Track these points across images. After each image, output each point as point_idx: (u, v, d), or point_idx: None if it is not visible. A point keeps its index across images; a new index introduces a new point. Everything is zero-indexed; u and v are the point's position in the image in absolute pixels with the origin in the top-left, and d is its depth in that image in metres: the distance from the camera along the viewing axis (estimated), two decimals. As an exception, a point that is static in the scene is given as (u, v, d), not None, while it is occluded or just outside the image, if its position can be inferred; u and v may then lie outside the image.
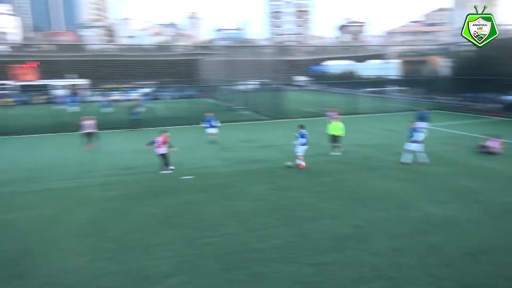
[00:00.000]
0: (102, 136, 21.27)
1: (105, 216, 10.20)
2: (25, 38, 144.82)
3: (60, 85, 51.16)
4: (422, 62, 44.16)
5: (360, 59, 61.33)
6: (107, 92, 49.70)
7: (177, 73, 61.76)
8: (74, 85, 53.11)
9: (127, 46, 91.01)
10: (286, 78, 36.76)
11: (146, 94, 51.08)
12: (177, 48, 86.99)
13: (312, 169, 14.55)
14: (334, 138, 16.86)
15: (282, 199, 11.28)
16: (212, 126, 20.78)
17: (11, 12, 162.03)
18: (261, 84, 33.54)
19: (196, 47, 77.08)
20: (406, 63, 50.11)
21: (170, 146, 14.62)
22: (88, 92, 52.21)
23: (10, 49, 70.94)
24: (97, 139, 19.95)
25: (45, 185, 13.22)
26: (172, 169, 14.43)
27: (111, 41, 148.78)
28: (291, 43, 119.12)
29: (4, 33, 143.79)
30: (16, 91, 51.70)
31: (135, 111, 27.06)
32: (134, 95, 50.55)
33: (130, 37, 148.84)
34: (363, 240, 8.47)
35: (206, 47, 64.73)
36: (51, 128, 25.28)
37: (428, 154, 14.97)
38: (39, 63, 54.93)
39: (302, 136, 14.46)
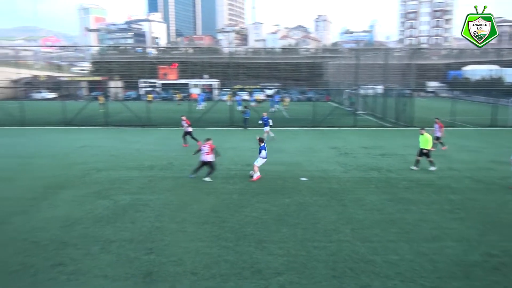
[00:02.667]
0: (224, 133, 22.88)
1: (225, 207, 10.93)
2: (170, 42, 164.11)
3: (194, 84, 56.68)
4: None
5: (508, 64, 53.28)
6: (236, 92, 53.12)
7: (300, 76, 62.72)
8: (206, 84, 58.34)
9: (254, 49, 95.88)
10: (416, 83, 34.11)
11: (270, 96, 52.97)
12: (303, 51, 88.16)
13: (439, 184, 13.23)
14: (422, 152, 15.10)
15: (402, 212, 10.51)
16: (267, 125, 21.92)
17: (161, 20, 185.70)
18: (388, 88, 31.81)
19: (321, 50, 77.00)
20: None
21: (217, 154, 13.86)
22: (217, 92, 56.65)
23: (158, 52, 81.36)
24: (186, 139, 20.58)
25: (179, 173, 14.77)
26: (209, 181, 13.43)
27: (243, 44, 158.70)
28: (424, 46, 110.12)
29: (157, 37, 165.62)
30: (159, 88, 59.15)
31: (247, 111, 28.22)
32: (260, 95, 53.01)
33: (260, 40, 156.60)
34: (495, 271, 7.36)
35: (332, 50, 64.04)
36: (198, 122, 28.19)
37: None
38: (177, 64, 61.64)
39: (262, 148, 13.95)
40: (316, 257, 7.93)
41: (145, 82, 58.49)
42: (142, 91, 55.94)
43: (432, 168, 15.10)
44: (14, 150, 19.40)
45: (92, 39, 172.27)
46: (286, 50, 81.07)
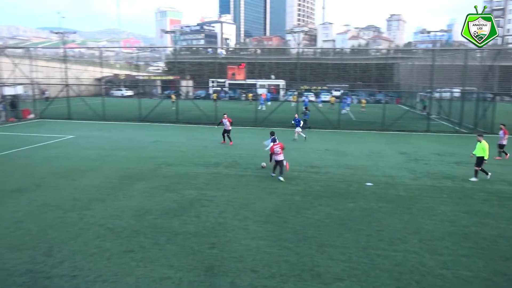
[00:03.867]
0: (288, 134, 22.85)
1: (287, 207, 10.94)
2: (240, 43, 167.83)
3: (261, 84, 57.38)
4: None
5: None
6: (302, 93, 52.83)
7: (369, 77, 60.62)
8: (272, 84, 58.77)
9: (323, 50, 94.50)
10: (499, 86, 31.23)
11: (338, 97, 51.93)
12: (373, 51, 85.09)
13: (524, 197, 12.00)
14: (479, 160, 13.73)
15: (478, 226, 9.71)
16: (298, 126, 22.43)
17: (231, 21, 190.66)
18: (466, 92, 29.52)
19: (393, 50, 73.65)
20: None
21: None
22: (283, 92, 56.76)
23: (228, 52, 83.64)
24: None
25: (243, 171, 15.08)
26: (279, 178, 13.61)
27: (312, 44, 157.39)
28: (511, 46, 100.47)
29: (227, 39, 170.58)
30: (227, 88, 60.81)
31: (307, 112, 28.00)
32: (330, 96, 52.25)
33: (329, 40, 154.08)
34: None
35: (405, 50, 60.99)
36: (253, 122, 28.71)
37: None
38: (245, 64, 62.80)
39: (271, 141, 15.08)
40: (379, 266, 7.63)
41: (214, 81, 60.52)
42: (211, 90, 57.95)
43: (473, 179, 13.87)
44: (99, 142, 21.24)
45: (167, 40, 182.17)
46: (355, 51, 78.87)
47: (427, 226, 9.64)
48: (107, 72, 75.31)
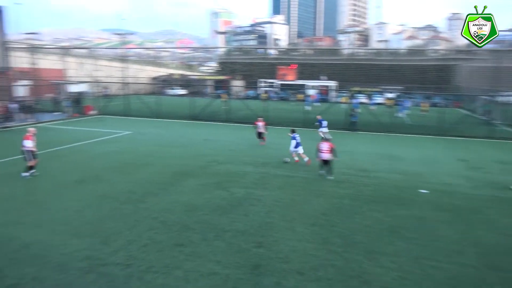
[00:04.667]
0: (338, 136, 22.42)
1: (335, 211, 10.75)
2: (290, 44, 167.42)
3: (311, 85, 56.81)
4: None
5: None
6: (353, 95, 51.62)
7: (426, 79, 57.84)
8: (323, 86, 57.97)
9: (377, 50, 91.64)
10: None
11: (391, 99, 50.14)
12: (430, 52, 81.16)
13: None
14: None
15: (547, 242, 8.93)
16: (323, 127, 22.58)
17: (283, 22, 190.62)
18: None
19: (453, 51, 69.71)
20: None
21: (335, 155, 14.03)
22: (334, 93, 55.75)
23: (278, 53, 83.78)
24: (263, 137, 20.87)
25: (290, 172, 15.03)
26: (328, 177, 13.98)
27: (365, 45, 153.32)
28: None
29: (278, 39, 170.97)
30: (277, 88, 60.89)
31: (355, 113, 27.47)
32: (379, 99, 50.73)
33: (383, 41, 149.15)
34: None
35: (466, 51, 57.46)
36: (301, 123, 28.51)
37: None
38: (297, 65, 62.49)
39: (292, 138, 16.40)
40: (432, 278, 7.27)
41: (264, 82, 60.85)
42: (261, 91, 58.33)
43: None
44: (153, 139, 22.20)
45: (220, 40, 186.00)
46: (411, 52, 75.62)
47: (487, 240, 9.03)
48: (163, 71, 78.46)
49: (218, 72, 76.69)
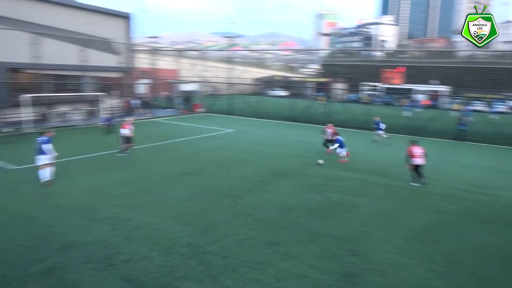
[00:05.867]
0: (448, 146, 20.49)
1: (440, 227, 9.90)
2: (399, 45, 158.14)
3: (420, 90, 52.91)
4: None
5: None
6: (468, 101, 46.78)
7: None
8: (433, 91, 53.54)
9: (501, 52, 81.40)
10: None
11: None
12: None
13: None
14: None
15: None
16: (380, 129, 22.59)
17: (392, 22, 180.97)
18: None
19: None
20: None
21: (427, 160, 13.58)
22: (447, 99, 51.11)
23: (384, 55, 79.85)
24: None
25: (393, 181, 14.25)
26: (424, 183, 13.44)
27: (485, 46, 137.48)
28: None
29: (383, 41, 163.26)
30: (381, 92, 58.09)
31: (464, 121, 25.35)
32: (501, 107, 45.22)
33: (509, 42, 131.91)
34: None
35: None
36: (406, 130, 26.80)
37: None
38: (405, 68, 58.75)
39: (338, 141, 17.12)
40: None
41: (366, 85, 58.59)
42: (363, 94, 56.30)
43: None
44: (253, 137, 23.15)
45: (323, 42, 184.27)
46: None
47: None
48: (265, 72, 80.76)
49: (320, 74, 76.17)
